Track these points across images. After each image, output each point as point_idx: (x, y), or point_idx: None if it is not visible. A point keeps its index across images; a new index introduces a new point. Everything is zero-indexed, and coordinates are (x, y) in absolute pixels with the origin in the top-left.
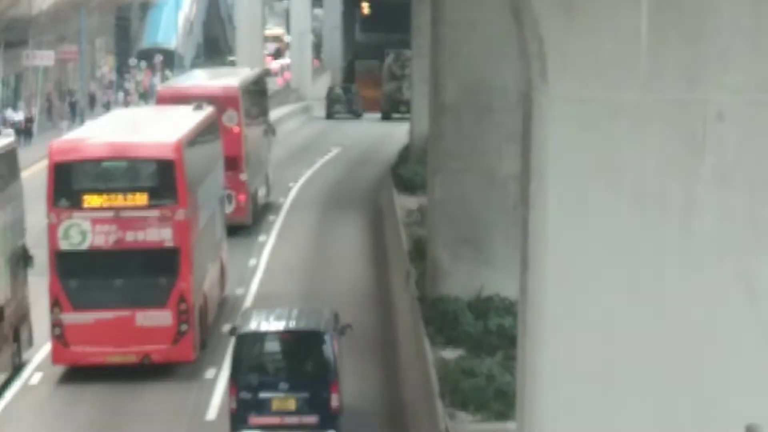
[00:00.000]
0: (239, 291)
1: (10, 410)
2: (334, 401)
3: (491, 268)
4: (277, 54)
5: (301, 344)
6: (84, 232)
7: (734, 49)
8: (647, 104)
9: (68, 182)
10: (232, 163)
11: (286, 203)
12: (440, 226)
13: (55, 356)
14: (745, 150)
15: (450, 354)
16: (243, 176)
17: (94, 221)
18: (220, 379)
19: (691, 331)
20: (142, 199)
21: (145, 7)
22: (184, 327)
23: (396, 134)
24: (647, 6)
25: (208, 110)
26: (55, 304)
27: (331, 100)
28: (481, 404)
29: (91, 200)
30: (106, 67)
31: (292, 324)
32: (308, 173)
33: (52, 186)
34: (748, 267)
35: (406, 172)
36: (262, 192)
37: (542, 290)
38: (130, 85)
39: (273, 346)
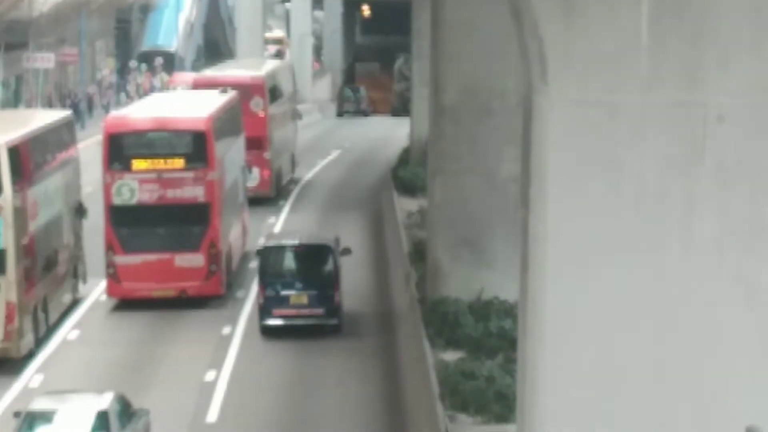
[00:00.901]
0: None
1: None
2: (336, 297)
3: (491, 270)
4: (279, 56)
5: (312, 255)
6: (132, 189)
7: (734, 51)
8: (647, 106)
9: (120, 149)
10: (258, 143)
11: (286, 205)
12: (440, 227)
13: (110, 291)
14: (745, 152)
15: (450, 356)
16: (267, 155)
17: (141, 181)
18: (219, 381)
19: (690, 332)
20: (179, 163)
21: (145, 10)
22: (213, 267)
23: (396, 136)
24: (647, 8)
25: (231, 93)
26: (109, 248)
27: (342, 100)
28: (482, 406)
29: (138, 164)
30: (107, 70)
31: (305, 240)
32: (309, 175)
33: (107, 153)
34: (747, 268)
35: (406, 173)
36: (286, 169)
37: (542, 292)
38: (130, 88)
39: (290, 257)
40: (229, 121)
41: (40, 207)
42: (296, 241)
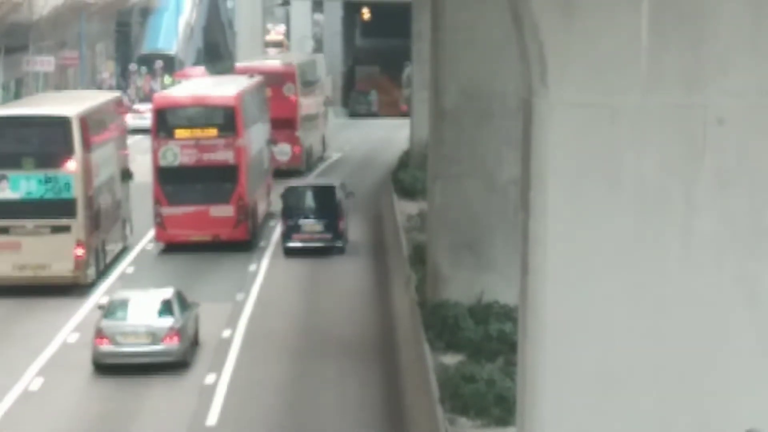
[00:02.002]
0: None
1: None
2: (341, 226)
3: (491, 273)
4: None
5: (321, 193)
6: (175, 153)
7: (734, 53)
8: (647, 108)
9: (165, 121)
10: (290, 123)
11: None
12: (440, 231)
13: (157, 236)
14: (745, 153)
15: (450, 359)
16: (297, 133)
17: (182, 146)
18: (220, 384)
19: (690, 334)
20: (213, 132)
21: (145, 13)
22: (241, 217)
23: (396, 139)
24: (647, 11)
25: (257, 78)
26: (157, 202)
27: (355, 103)
28: (482, 410)
29: (180, 133)
30: (107, 73)
31: (316, 182)
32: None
33: (155, 124)
34: (748, 270)
35: (407, 177)
36: (316, 147)
37: (542, 295)
38: (130, 91)
39: (305, 195)
40: (255, 99)
41: (100, 168)
42: (309, 183)
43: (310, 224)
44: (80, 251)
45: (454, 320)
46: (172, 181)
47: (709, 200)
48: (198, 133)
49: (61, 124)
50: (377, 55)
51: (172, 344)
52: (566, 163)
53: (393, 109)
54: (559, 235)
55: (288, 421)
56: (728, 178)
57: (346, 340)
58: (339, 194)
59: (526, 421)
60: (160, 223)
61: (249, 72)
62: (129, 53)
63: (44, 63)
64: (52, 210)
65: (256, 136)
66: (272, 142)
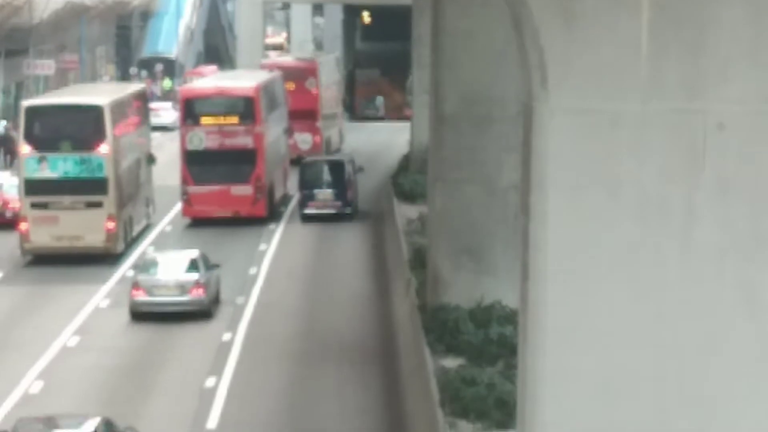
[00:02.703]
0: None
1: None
2: (350, 195)
3: (492, 277)
4: None
5: (333, 166)
6: (201, 138)
7: (734, 60)
8: (647, 114)
9: (192, 109)
10: (311, 114)
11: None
12: (441, 235)
13: (184, 212)
14: (745, 160)
15: (451, 363)
16: (318, 124)
17: (207, 132)
18: (220, 388)
19: (691, 340)
20: (234, 119)
21: (145, 16)
22: (259, 195)
23: (396, 143)
24: (647, 16)
25: (276, 73)
26: (184, 181)
27: (363, 107)
28: (482, 413)
29: (205, 120)
30: (107, 76)
31: (329, 157)
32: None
33: (183, 112)
34: (748, 277)
35: (407, 181)
36: (334, 138)
37: (543, 299)
38: None
39: (318, 168)
40: (272, 92)
41: (127, 152)
42: (323, 158)
43: (324, 194)
44: (111, 224)
45: (455, 324)
46: (197, 163)
47: (709, 207)
48: (221, 120)
49: (94, 111)
50: (377, 59)
51: (198, 296)
52: (566, 169)
53: (396, 112)
54: (559, 240)
55: (289, 411)
56: (728, 185)
57: (346, 345)
58: (349, 168)
59: (527, 424)
60: (187, 200)
61: (273, 66)
62: (129, 57)
63: (44, 66)
64: (87, 188)
65: (273, 124)
66: (290, 131)
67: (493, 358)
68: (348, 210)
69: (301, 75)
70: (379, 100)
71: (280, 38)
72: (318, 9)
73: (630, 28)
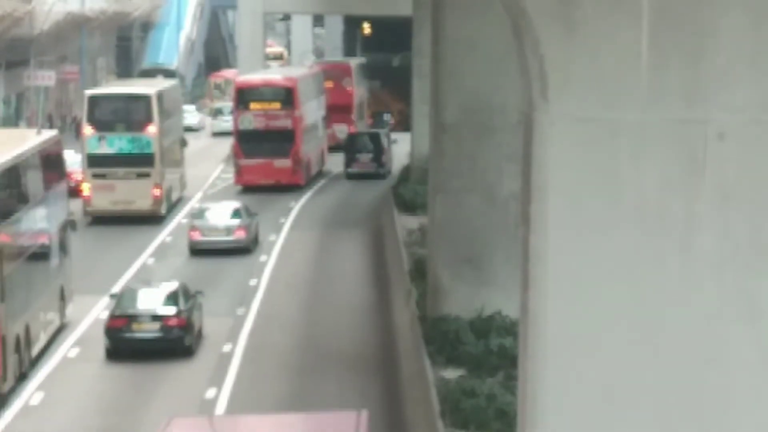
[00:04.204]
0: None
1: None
2: (384, 159)
3: (492, 287)
4: None
5: (372, 137)
6: (250, 120)
7: (735, 69)
8: (648, 123)
9: (244, 96)
10: (346, 109)
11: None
12: (441, 245)
13: (236, 180)
14: (745, 169)
15: (451, 374)
16: (352, 116)
17: (255, 115)
18: (220, 399)
19: (692, 348)
20: (277, 105)
21: (146, 28)
22: (297, 168)
23: (396, 155)
24: (648, 25)
25: (315, 68)
26: (235, 155)
27: (373, 120)
28: (482, 424)
29: (254, 105)
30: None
31: (368, 130)
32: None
33: (236, 98)
34: (748, 285)
35: (407, 191)
36: (363, 130)
37: (543, 310)
38: None
39: (360, 138)
40: (310, 84)
41: (168, 134)
42: (363, 131)
43: (364, 157)
44: (157, 192)
45: (455, 335)
46: (247, 141)
47: (709, 215)
48: (267, 106)
49: (144, 99)
50: (378, 70)
51: (240, 236)
52: (567, 178)
53: (400, 124)
54: (560, 250)
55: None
56: (729, 194)
57: (346, 355)
58: (384, 140)
59: None
60: (238, 171)
61: (315, 68)
62: (130, 68)
63: (45, 77)
64: (137, 162)
65: (310, 110)
66: (328, 120)
67: (494, 369)
68: (382, 171)
69: (338, 75)
70: (387, 116)
71: (279, 48)
72: (318, 20)
73: (630, 37)
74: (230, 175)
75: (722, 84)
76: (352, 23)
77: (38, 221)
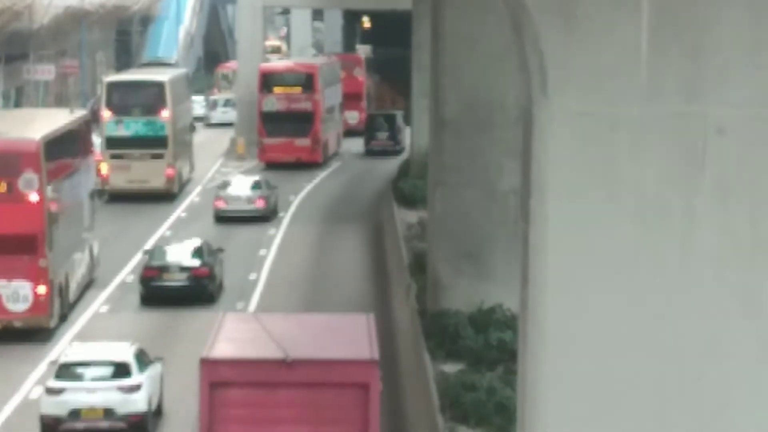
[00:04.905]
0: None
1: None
2: (399, 138)
3: (491, 282)
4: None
5: (388, 118)
6: (273, 102)
7: (734, 64)
8: (647, 118)
9: (267, 81)
10: (357, 96)
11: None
12: (440, 240)
13: (259, 157)
14: (745, 164)
15: (450, 368)
16: (363, 104)
17: (277, 98)
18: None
19: (691, 345)
20: (299, 89)
21: (146, 22)
22: (316, 146)
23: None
24: (647, 20)
25: (333, 58)
26: (260, 134)
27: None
28: (482, 418)
29: (277, 89)
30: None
31: (385, 111)
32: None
33: (261, 83)
34: (748, 281)
35: (407, 186)
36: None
37: (542, 304)
38: None
39: (379, 119)
40: (328, 71)
41: (179, 118)
42: (381, 112)
43: (382, 135)
44: (170, 171)
45: (455, 329)
46: (270, 121)
47: (709, 211)
48: (289, 90)
49: (159, 85)
50: (377, 64)
51: (260, 206)
52: (566, 173)
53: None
54: (559, 245)
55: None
56: (728, 189)
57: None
58: (399, 120)
59: (527, 429)
60: (262, 148)
61: (333, 58)
62: (129, 62)
63: (44, 72)
64: (152, 143)
65: (328, 95)
66: (343, 104)
67: (493, 363)
68: (397, 148)
69: (350, 65)
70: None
71: (277, 41)
72: (318, 14)
73: (630, 32)
74: (230, 170)
75: (722, 78)
76: (351, 17)
77: (75, 186)
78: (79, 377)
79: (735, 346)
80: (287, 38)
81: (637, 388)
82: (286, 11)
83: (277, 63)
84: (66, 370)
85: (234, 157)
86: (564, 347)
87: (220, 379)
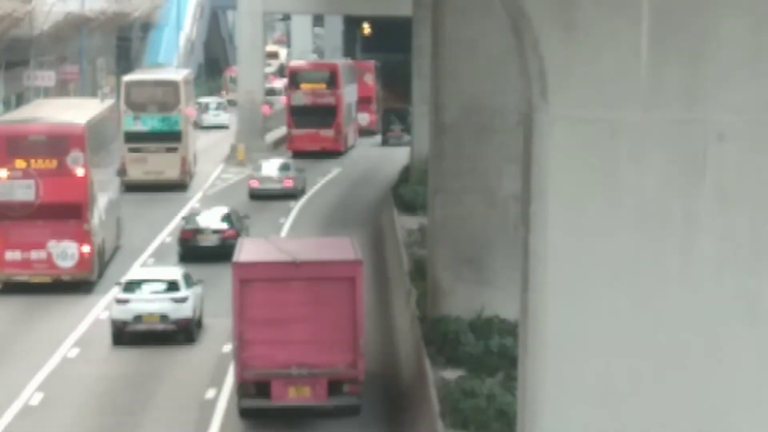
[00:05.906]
0: None
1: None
2: (410, 129)
3: (492, 288)
4: (281, 72)
5: (401, 112)
6: (301, 97)
7: (735, 69)
8: (648, 124)
9: (295, 78)
10: (368, 100)
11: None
12: (441, 246)
13: (288, 146)
14: (745, 169)
15: (451, 374)
16: (373, 107)
17: (303, 93)
18: (220, 399)
19: (691, 350)
20: (323, 86)
21: (146, 28)
22: (339, 137)
23: (397, 155)
24: (648, 25)
25: (350, 61)
26: (288, 126)
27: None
28: (482, 424)
29: (304, 85)
30: (108, 88)
31: (399, 105)
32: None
33: (289, 80)
34: (748, 286)
35: (407, 192)
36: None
37: (543, 310)
38: None
39: (393, 114)
40: (348, 71)
41: (189, 115)
42: (394, 107)
43: (396, 127)
44: (183, 164)
45: (455, 335)
46: (297, 114)
47: (709, 216)
48: (314, 86)
49: (173, 84)
50: (378, 70)
51: (289, 186)
52: (567, 179)
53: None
54: (560, 251)
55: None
56: (728, 194)
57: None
58: (408, 112)
59: None
60: (290, 139)
61: (350, 62)
62: (130, 68)
63: (45, 78)
64: (166, 138)
65: (348, 92)
66: (357, 103)
67: (493, 369)
68: (409, 138)
69: (362, 71)
70: (394, 127)
71: (275, 47)
72: (318, 20)
73: (630, 37)
74: (230, 176)
75: (722, 84)
76: (351, 23)
77: (108, 163)
78: (140, 290)
79: (735, 350)
80: (286, 43)
81: (637, 394)
82: (286, 17)
83: (303, 62)
84: (130, 286)
85: (234, 163)
86: (564, 352)
87: (247, 276)
